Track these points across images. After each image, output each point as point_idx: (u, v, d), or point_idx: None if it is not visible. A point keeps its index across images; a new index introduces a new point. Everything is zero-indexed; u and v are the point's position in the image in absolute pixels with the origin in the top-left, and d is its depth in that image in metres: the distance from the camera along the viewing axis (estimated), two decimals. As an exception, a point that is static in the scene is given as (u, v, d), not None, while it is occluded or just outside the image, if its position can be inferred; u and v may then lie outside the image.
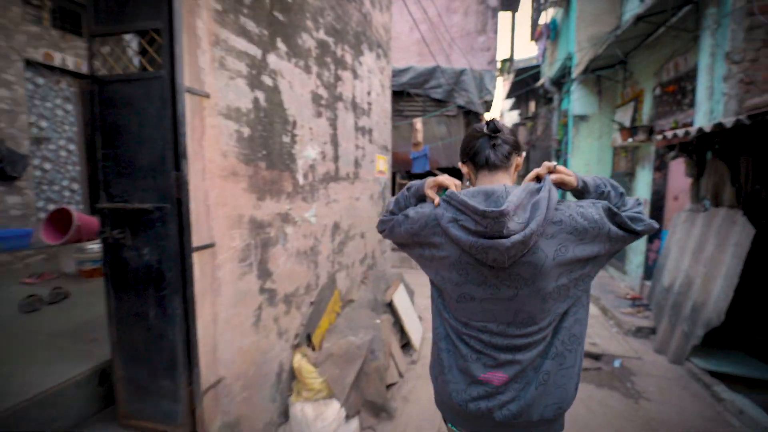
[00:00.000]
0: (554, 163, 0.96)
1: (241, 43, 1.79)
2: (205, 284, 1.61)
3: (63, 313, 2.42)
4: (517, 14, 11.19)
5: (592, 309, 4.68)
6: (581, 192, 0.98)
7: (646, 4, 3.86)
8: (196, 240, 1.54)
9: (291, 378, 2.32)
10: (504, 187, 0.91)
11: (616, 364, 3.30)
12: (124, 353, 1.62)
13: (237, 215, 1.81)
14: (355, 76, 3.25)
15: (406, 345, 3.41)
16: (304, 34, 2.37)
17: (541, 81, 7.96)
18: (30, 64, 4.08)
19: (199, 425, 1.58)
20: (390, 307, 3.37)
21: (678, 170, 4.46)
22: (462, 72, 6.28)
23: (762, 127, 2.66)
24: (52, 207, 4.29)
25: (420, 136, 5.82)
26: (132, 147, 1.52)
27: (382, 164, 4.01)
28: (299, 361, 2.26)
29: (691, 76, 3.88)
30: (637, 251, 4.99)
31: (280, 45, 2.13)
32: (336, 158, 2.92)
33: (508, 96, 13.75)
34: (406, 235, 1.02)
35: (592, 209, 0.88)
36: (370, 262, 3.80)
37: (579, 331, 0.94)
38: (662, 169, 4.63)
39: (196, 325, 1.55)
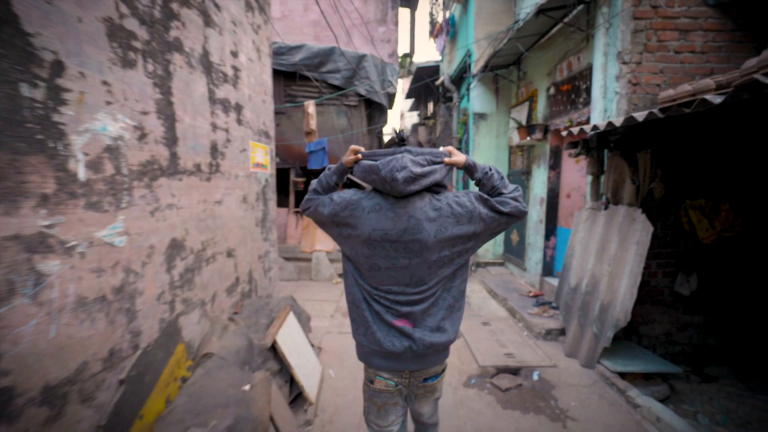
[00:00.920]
0: (450, 147, 1.24)
1: None
2: None
3: None
4: (416, 13, 11.16)
5: (502, 311, 4.52)
6: (470, 170, 1.23)
7: (545, -3, 3.74)
8: None
9: None
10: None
11: (535, 377, 3.03)
12: None
13: None
14: (209, 22, 2.22)
15: (298, 396, 2.54)
16: None
17: (440, 79, 7.88)
18: None
19: None
20: (273, 350, 2.45)
21: (570, 168, 4.59)
22: (363, 57, 5.62)
23: (671, 121, 2.60)
24: None
25: (313, 123, 4.94)
26: None
27: (261, 155, 3.03)
28: None
29: (585, 75, 3.92)
30: (535, 248, 5.06)
31: None
32: (172, 141, 1.87)
33: (408, 96, 13.85)
34: (329, 216, 1.22)
35: (465, 198, 1.19)
36: (246, 288, 2.79)
37: (464, 288, 1.27)
38: (556, 167, 4.72)
39: None
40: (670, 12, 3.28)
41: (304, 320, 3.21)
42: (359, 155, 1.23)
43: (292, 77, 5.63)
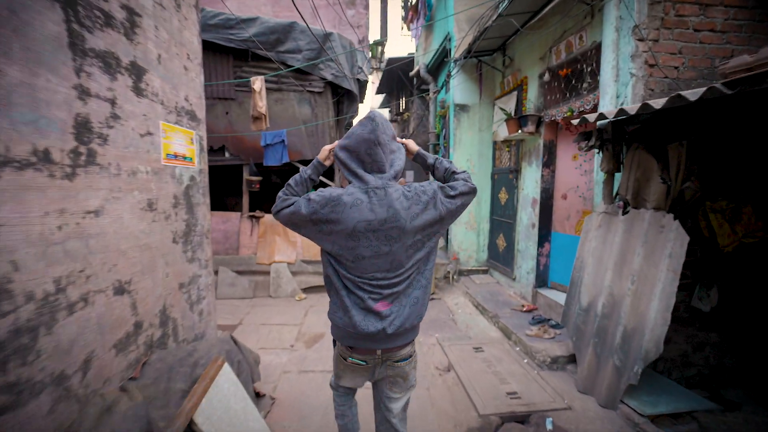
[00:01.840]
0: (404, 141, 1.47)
1: None
2: None
3: None
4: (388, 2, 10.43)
5: (494, 331, 3.89)
6: (423, 157, 1.49)
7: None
8: None
9: None
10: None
11: (549, 425, 2.40)
12: None
13: None
14: None
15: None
16: None
17: (415, 69, 7.21)
18: None
19: None
20: (191, 434, 1.62)
21: (566, 165, 4.06)
22: (329, 36, 4.81)
23: (708, 106, 2.04)
24: None
25: (263, 106, 4.03)
26: None
27: (182, 143, 2.16)
28: None
29: (590, 56, 3.37)
30: (526, 255, 4.50)
31: None
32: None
33: (379, 91, 13.11)
34: (309, 215, 1.27)
35: (429, 187, 1.32)
36: (155, 335, 1.93)
37: (433, 268, 1.41)
38: (550, 164, 4.18)
39: None
40: (693, -21, 2.77)
41: (249, 367, 2.38)
42: (334, 144, 1.41)
43: (243, 56, 4.71)
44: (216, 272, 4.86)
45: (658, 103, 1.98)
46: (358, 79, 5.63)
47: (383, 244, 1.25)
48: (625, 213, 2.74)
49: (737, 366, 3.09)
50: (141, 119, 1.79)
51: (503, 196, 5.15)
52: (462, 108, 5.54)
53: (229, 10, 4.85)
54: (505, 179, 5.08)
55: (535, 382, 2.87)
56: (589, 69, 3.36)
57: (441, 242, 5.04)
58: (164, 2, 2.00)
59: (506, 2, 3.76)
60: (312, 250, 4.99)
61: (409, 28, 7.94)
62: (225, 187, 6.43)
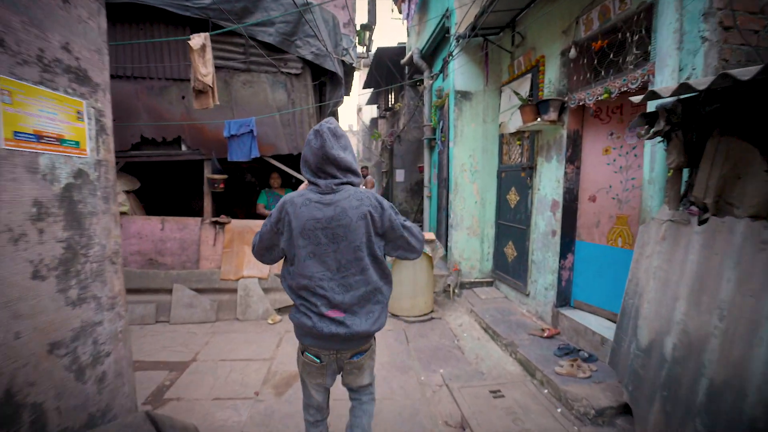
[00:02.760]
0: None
1: None
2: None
3: None
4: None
5: (511, 365, 3.17)
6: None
7: None
8: None
9: None
10: None
11: None
12: None
13: None
14: None
15: None
16: None
17: (408, 56, 6.46)
18: None
19: None
20: None
21: (595, 161, 3.37)
22: (307, 6, 3.99)
23: None
24: None
25: (207, 74, 3.06)
26: None
27: (54, 117, 1.33)
28: None
29: (636, 21, 2.67)
30: (544, 268, 3.80)
31: None
32: None
33: (366, 86, 12.31)
34: (273, 227, 1.43)
35: (385, 202, 1.43)
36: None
37: (387, 288, 1.49)
38: (575, 160, 3.48)
39: None
40: None
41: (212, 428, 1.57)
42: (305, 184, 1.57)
43: (202, 29, 3.85)
44: (170, 291, 3.99)
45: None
46: (343, 62, 4.84)
47: (331, 241, 1.36)
48: (701, 222, 2.05)
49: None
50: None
51: (513, 197, 4.44)
52: (464, 95, 4.81)
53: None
54: (516, 178, 4.37)
55: (580, 447, 2.15)
56: (636, 38, 2.66)
57: (441, 251, 4.30)
58: None
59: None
60: (289, 262, 4.17)
61: (400, 10, 7.17)
62: (189, 187, 5.53)
